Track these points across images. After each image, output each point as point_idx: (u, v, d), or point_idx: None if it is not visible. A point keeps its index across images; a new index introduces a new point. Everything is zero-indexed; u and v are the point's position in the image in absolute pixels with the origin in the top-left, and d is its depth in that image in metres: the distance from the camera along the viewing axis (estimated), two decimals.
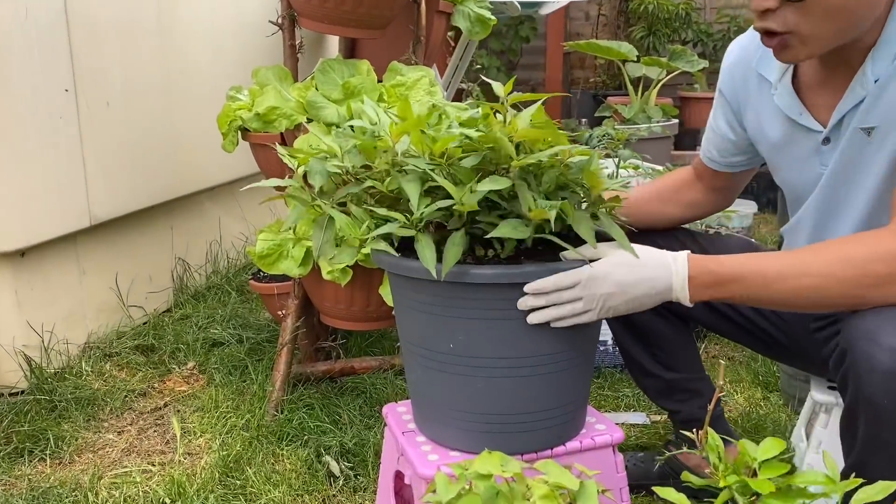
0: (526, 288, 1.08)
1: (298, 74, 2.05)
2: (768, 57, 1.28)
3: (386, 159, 1.11)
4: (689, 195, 1.58)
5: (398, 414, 1.44)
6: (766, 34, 1.17)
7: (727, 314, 1.48)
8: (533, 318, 1.10)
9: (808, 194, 1.32)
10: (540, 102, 1.15)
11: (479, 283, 1.08)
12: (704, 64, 4.98)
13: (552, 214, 1.03)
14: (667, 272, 1.12)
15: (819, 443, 1.54)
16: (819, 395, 1.54)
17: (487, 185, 1.04)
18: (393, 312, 1.30)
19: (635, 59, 5.21)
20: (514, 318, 1.10)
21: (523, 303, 1.09)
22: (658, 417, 1.95)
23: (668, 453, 1.43)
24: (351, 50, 2.19)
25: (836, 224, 1.29)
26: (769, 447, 0.85)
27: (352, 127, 1.28)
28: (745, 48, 1.38)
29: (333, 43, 3.17)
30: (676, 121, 5.20)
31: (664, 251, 1.14)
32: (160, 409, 2.08)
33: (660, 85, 5.38)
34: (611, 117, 5.32)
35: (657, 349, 1.58)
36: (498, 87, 1.14)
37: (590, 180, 1.13)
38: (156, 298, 2.65)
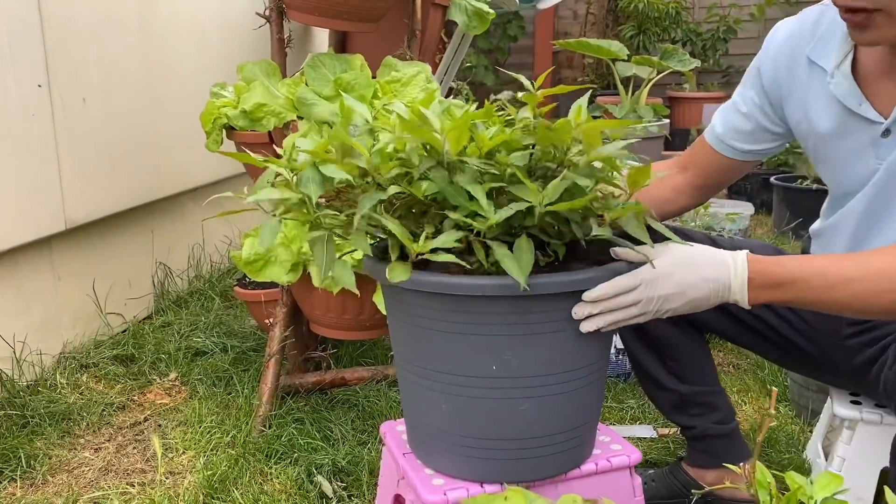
0: (585, 296, 0.99)
1: (287, 70, 1.94)
2: (825, 42, 1.22)
3: (425, 161, 1.01)
4: (659, 191, 1.46)
5: (397, 434, 1.33)
6: (850, 10, 1.10)
7: (749, 323, 1.40)
8: (587, 326, 1.01)
9: (857, 190, 1.26)
10: (585, 98, 1.06)
11: (547, 293, 0.98)
12: (696, 63, 4.91)
13: (625, 213, 0.98)
14: (726, 272, 1.05)
15: (842, 461, 1.46)
16: (841, 409, 1.46)
17: (561, 186, 0.95)
18: (390, 332, 1.18)
19: (626, 58, 5.14)
20: (567, 329, 1.02)
21: (580, 310, 1.00)
22: (666, 430, 1.87)
23: (706, 488, 1.34)
24: (342, 44, 2.08)
25: (885, 223, 1.23)
26: (826, 484, 0.76)
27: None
28: (794, 33, 1.31)
29: (323, 37, 3.05)
30: (668, 121, 5.13)
31: (722, 250, 1.07)
32: (140, 423, 1.97)
33: (650, 84, 5.31)
34: (601, 117, 5.25)
35: (671, 359, 1.49)
36: (524, 80, 1.05)
37: (635, 178, 1.04)
38: (135, 305, 2.53)
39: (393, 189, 0.99)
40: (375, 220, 1.00)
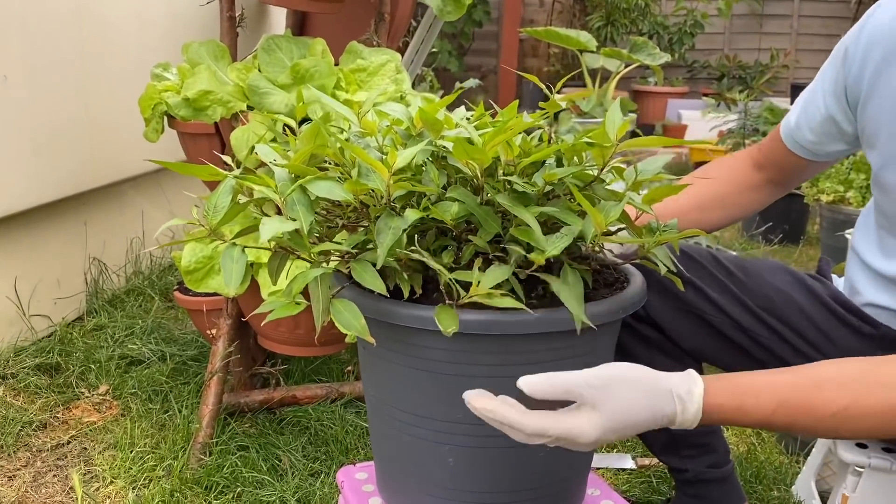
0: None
1: (239, 53, 1.73)
2: None
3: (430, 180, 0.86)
4: (740, 198, 1.32)
5: (357, 483, 1.16)
6: None
7: (759, 358, 1.23)
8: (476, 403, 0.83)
9: None
10: (617, 104, 0.92)
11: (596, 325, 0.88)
12: (666, 58, 4.79)
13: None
14: (669, 417, 0.84)
15: None
16: (847, 453, 1.32)
17: (619, 209, 0.87)
18: (367, 377, 1.00)
19: (594, 49, 5.00)
20: (593, 362, 0.89)
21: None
22: (647, 461, 1.72)
23: None
24: (300, 26, 1.87)
25: None
26: None
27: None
28: None
29: (281, 17, 2.82)
30: (635, 115, 5.02)
31: (669, 393, 0.84)
32: (63, 445, 1.75)
33: (618, 77, 5.18)
34: (567, 110, 5.11)
35: None
36: (544, 86, 0.91)
37: (653, 196, 0.92)
38: (65, 305, 2.29)
39: (413, 215, 0.82)
40: (398, 254, 0.85)
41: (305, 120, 1.51)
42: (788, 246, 3.55)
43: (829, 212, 3.07)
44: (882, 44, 1.05)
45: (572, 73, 1.39)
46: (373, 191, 0.86)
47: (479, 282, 0.83)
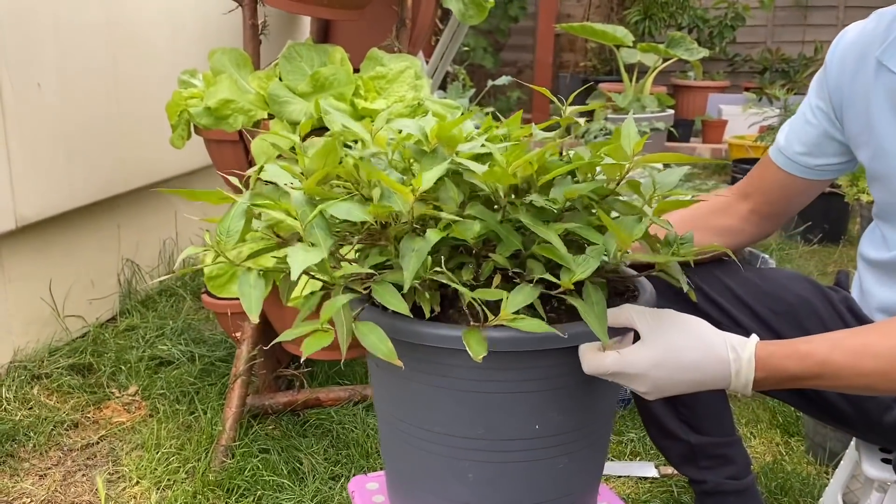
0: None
1: (262, 59, 1.75)
2: None
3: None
4: (722, 220, 1.32)
5: (368, 494, 1.16)
6: None
7: None
8: None
9: None
10: (631, 119, 0.91)
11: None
12: (704, 53, 4.70)
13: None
14: (723, 373, 0.88)
15: None
16: (871, 469, 1.29)
17: (644, 226, 0.87)
18: (379, 391, 1.00)
19: (631, 44, 4.92)
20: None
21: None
22: (670, 470, 1.70)
23: None
24: (325, 33, 1.88)
25: None
26: None
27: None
28: (864, 33, 1.15)
29: (307, 24, 2.85)
30: (672, 111, 4.93)
31: (723, 340, 0.88)
32: (93, 445, 1.79)
33: (656, 72, 5.10)
34: (602, 106, 5.04)
35: (682, 405, 1.33)
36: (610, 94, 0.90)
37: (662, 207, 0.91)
38: (99, 305, 2.34)
39: (435, 236, 0.82)
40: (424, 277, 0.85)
41: (324, 128, 1.52)
42: (828, 246, 3.46)
43: (869, 211, 2.99)
44: (852, 54, 1.15)
45: (582, 88, 1.37)
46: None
47: (503, 304, 0.83)
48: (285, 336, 0.86)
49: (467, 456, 0.92)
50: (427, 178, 0.83)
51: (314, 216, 0.84)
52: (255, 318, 0.85)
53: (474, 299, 0.83)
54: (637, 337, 0.89)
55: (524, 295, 0.83)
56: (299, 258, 0.80)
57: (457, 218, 0.84)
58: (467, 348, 0.81)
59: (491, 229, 0.86)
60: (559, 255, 0.83)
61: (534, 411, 0.90)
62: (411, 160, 0.93)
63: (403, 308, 0.83)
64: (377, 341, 0.82)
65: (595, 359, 0.86)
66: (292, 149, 1.47)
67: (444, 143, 0.90)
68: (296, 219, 0.86)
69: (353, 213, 0.84)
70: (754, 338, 0.89)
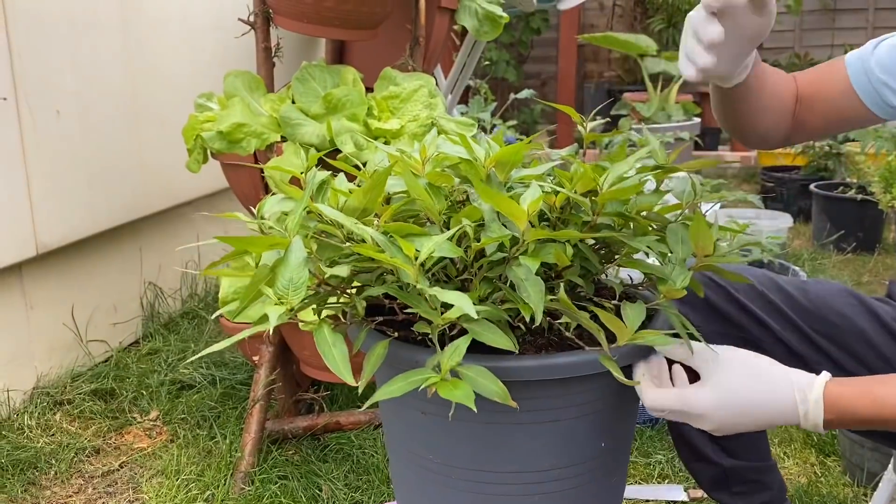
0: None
1: (279, 81, 1.74)
2: None
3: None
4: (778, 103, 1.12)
5: None
6: None
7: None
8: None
9: None
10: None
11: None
12: None
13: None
14: (792, 415, 0.83)
15: None
16: None
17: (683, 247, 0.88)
18: (391, 431, 0.95)
19: (654, 53, 4.87)
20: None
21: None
22: (699, 493, 1.64)
23: None
24: (339, 53, 1.87)
25: None
26: None
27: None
28: None
29: (322, 45, 2.85)
30: (699, 120, 4.86)
31: (791, 383, 0.83)
32: (114, 472, 1.78)
33: (681, 81, 5.03)
34: (628, 115, 4.99)
35: None
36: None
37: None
38: (123, 329, 2.34)
39: (533, 263, 0.79)
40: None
41: (337, 150, 1.50)
42: (863, 255, 3.37)
43: None
44: None
45: (606, 102, 1.33)
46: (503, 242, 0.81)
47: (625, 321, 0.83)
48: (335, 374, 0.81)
49: (539, 490, 0.88)
50: (529, 202, 0.79)
51: (427, 254, 0.76)
52: (350, 380, 0.78)
53: (599, 328, 0.81)
54: (692, 373, 0.86)
55: (639, 311, 0.84)
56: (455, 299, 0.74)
57: (561, 237, 0.83)
58: (624, 382, 0.82)
59: (580, 252, 0.87)
60: (658, 269, 0.86)
61: (589, 437, 0.88)
62: (450, 184, 0.90)
63: (507, 344, 0.78)
64: (489, 384, 0.76)
65: (658, 396, 0.84)
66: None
67: (499, 169, 0.87)
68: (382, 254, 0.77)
69: (445, 249, 0.78)
70: (823, 377, 0.83)
